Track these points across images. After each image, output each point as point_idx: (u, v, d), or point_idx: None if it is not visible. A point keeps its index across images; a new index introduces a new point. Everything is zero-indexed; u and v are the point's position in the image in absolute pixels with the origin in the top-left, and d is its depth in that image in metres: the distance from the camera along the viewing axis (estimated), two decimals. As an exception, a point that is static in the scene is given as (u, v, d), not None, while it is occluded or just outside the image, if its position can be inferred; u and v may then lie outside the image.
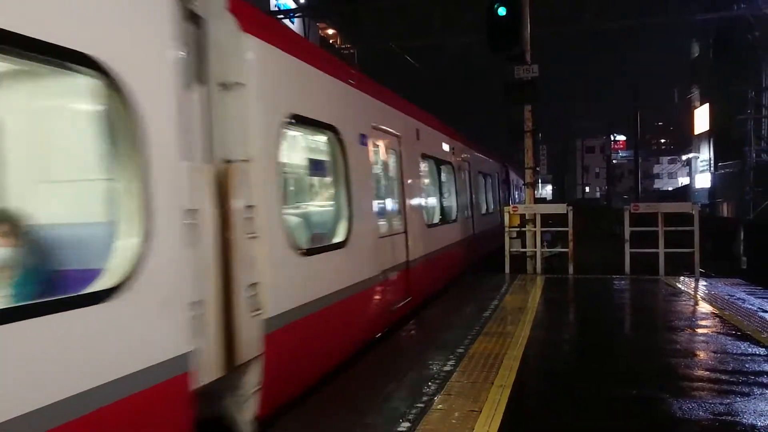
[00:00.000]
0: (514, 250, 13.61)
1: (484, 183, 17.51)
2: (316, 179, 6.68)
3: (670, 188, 76.64)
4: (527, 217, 13.61)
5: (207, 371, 3.75)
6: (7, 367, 2.52)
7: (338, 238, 6.06)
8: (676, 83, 53.91)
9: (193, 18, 3.89)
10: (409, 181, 8.90)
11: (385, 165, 8.25)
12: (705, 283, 11.36)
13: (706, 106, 42.06)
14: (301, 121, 5.43)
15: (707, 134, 42.37)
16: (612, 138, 72.95)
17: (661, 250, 12.21)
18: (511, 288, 11.19)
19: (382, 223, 7.55)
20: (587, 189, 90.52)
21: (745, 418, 4.57)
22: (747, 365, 5.96)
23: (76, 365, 2.86)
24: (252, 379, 4.22)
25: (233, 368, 4.01)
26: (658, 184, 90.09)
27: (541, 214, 13.47)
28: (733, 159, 34.19)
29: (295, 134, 5.78)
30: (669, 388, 5.29)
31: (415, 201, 9.17)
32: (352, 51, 26.84)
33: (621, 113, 73.60)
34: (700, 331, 7.60)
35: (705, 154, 43.52)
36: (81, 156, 3.76)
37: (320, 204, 6.68)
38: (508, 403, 4.98)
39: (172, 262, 3.48)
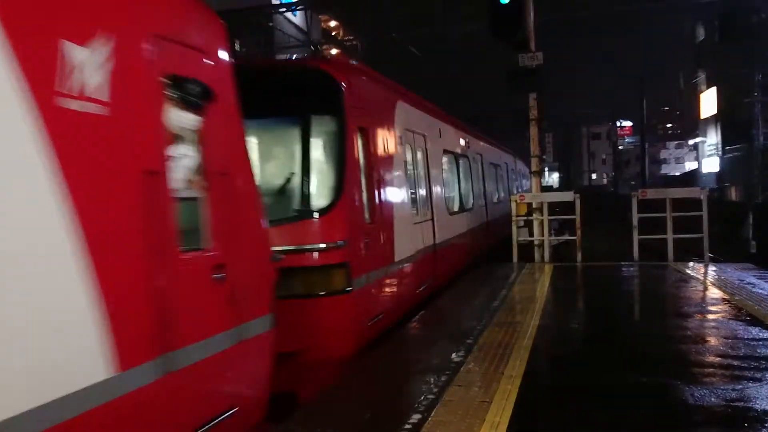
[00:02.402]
0: (522, 239, 13.57)
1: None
2: None
3: (678, 173, 76.25)
4: (534, 206, 13.57)
5: None
6: None
7: None
8: (682, 67, 53.49)
9: None
10: None
11: None
12: (714, 268, 11.30)
13: (713, 89, 41.77)
14: None
15: (714, 118, 42.08)
16: (618, 124, 72.48)
17: (670, 236, 12.15)
18: (520, 277, 11.16)
19: None
20: (594, 176, 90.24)
21: (758, 404, 4.54)
22: (759, 350, 5.93)
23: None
24: None
25: None
26: (665, 170, 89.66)
27: (547, 202, 13.43)
28: (741, 142, 33.97)
29: None
30: (680, 375, 5.26)
31: None
32: (355, 43, 26.74)
33: (627, 99, 73.15)
34: (710, 316, 7.56)
35: (712, 138, 43.26)
36: None
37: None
38: (519, 394, 4.97)
39: None
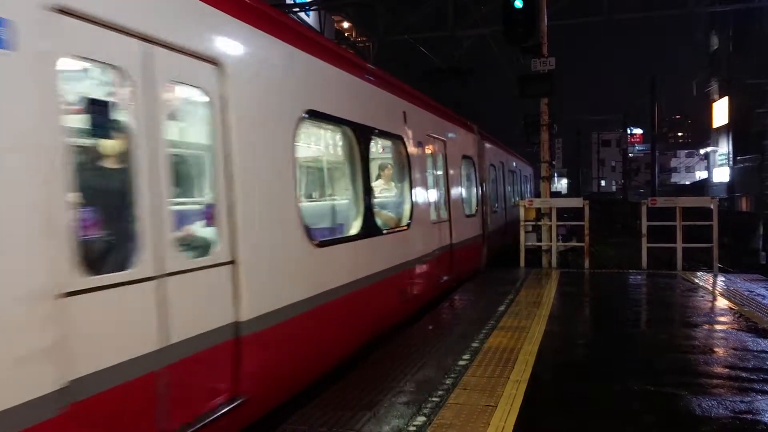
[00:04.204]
0: (529, 244, 13.52)
1: None
2: None
3: (688, 182, 75.90)
4: (543, 211, 13.53)
5: None
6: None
7: None
8: (695, 76, 53.28)
9: None
10: None
11: None
12: (723, 279, 11.22)
13: (725, 99, 41.53)
14: None
15: (726, 128, 41.85)
16: (629, 131, 72.21)
17: (679, 245, 12.07)
18: (526, 282, 11.12)
19: None
20: (603, 183, 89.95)
21: (767, 417, 4.50)
22: None
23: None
24: None
25: None
26: (675, 178, 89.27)
27: (556, 208, 13.37)
28: (753, 153, 33.77)
29: None
30: (687, 385, 5.22)
31: None
32: (367, 44, 26.75)
33: (638, 106, 72.86)
34: (718, 327, 7.50)
35: (724, 148, 43.02)
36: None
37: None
38: (524, 399, 4.95)
39: None
